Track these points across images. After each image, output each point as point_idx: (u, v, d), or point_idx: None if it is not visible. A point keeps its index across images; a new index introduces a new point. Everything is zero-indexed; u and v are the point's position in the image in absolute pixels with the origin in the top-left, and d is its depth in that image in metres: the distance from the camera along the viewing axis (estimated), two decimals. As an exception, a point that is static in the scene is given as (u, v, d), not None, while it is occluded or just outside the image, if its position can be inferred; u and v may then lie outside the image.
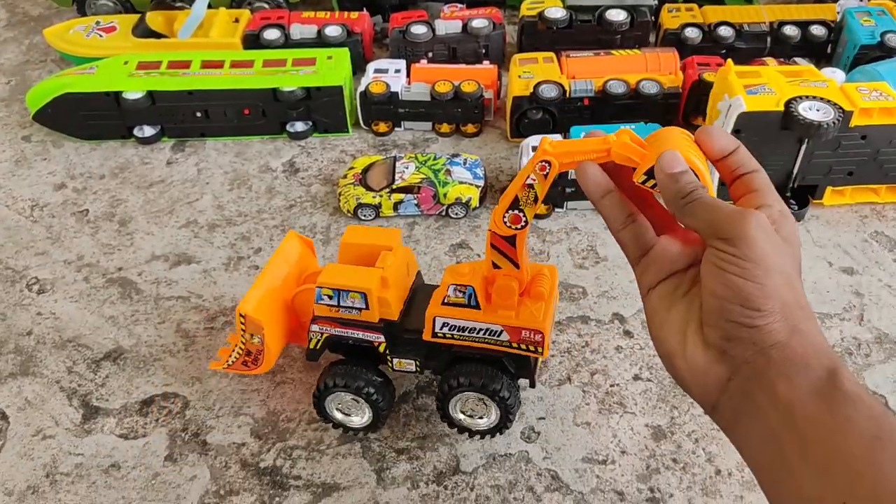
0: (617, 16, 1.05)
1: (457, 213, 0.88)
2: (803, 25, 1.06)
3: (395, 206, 0.87)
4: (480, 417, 0.67)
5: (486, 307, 0.61)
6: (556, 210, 0.89)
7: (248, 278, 0.83)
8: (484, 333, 0.62)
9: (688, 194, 0.44)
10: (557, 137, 0.89)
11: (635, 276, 0.49)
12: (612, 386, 0.73)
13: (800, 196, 0.87)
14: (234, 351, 0.70)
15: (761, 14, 1.08)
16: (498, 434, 0.68)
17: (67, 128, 0.99)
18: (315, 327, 0.65)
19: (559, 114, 0.94)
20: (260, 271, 0.67)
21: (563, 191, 0.85)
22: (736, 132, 0.81)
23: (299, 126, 0.99)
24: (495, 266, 0.59)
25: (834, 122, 0.78)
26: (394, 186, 0.86)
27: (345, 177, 0.90)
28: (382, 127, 1.00)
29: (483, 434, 0.68)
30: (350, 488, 0.66)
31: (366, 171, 0.89)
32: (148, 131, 0.99)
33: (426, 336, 0.64)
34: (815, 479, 0.38)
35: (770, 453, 0.40)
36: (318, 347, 0.67)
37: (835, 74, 0.91)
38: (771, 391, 0.40)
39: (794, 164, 0.84)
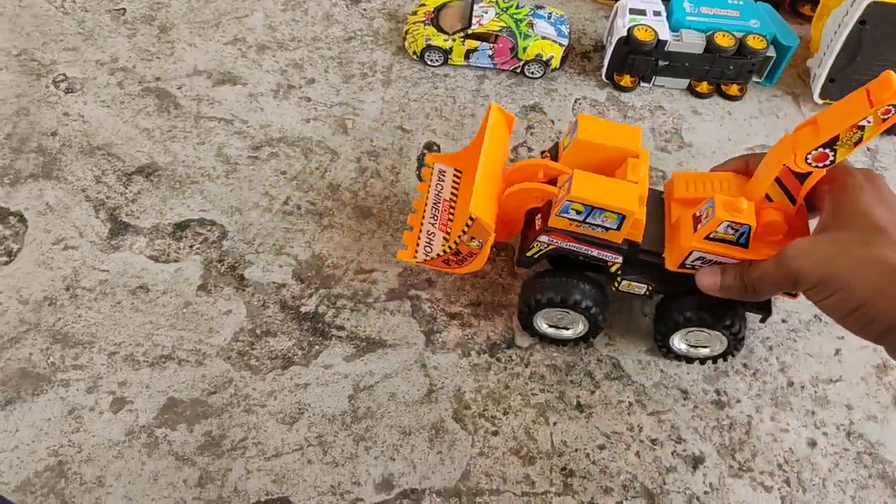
0: None
1: (533, 73, 0.79)
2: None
3: (467, 55, 0.78)
4: (704, 347, 0.60)
5: (752, 244, 0.53)
6: (643, 84, 0.80)
7: (299, 109, 0.75)
8: None
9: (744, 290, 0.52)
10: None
11: None
12: (684, 280, 0.67)
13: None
14: (421, 239, 0.61)
15: None
16: (722, 360, 0.61)
17: (106, -86, 0.88)
18: (545, 238, 0.56)
19: (659, -23, 0.84)
20: (479, 159, 0.56)
21: (655, 63, 0.77)
22: (861, 23, 0.72)
23: (365, -49, 0.88)
24: (768, 198, 0.53)
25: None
26: (469, 31, 0.77)
27: (414, 13, 0.81)
28: (457, -34, 0.89)
29: (703, 360, 0.61)
30: (396, 347, 0.61)
31: (439, 9, 0.80)
32: (196, -68, 0.88)
33: (672, 266, 0.55)
34: None
35: None
36: (536, 256, 0.58)
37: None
38: None
39: (915, 69, 0.76)
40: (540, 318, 0.60)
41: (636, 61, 0.77)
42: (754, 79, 0.81)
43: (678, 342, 0.60)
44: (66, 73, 0.76)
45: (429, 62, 0.79)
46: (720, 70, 0.78)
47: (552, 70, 0.79)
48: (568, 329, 0.61)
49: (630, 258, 0.56)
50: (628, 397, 0.60)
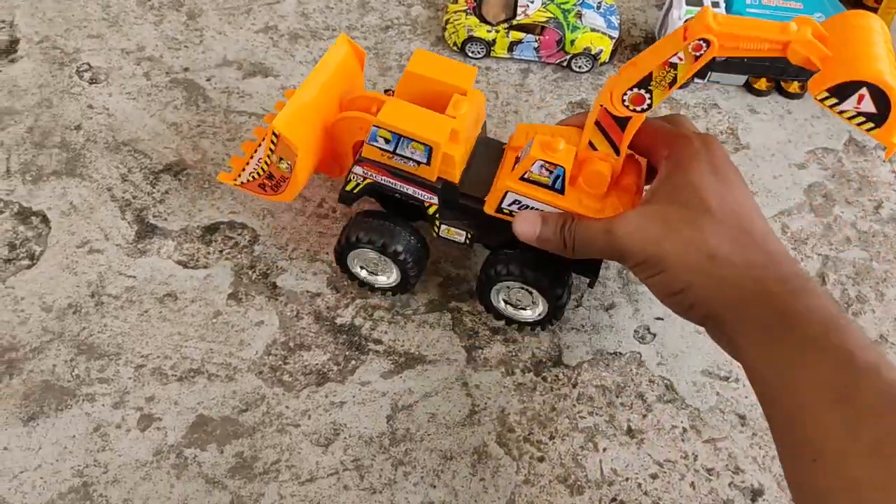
0: None
1: (580, 67, 0.75)
2: None
3: (511, 47, 0.74)
4: (524, 309, 0.58)
5: (570, 192, 0.51)
6: (696, 80, 0.76)
7: (334, 104, 0.71)
8: None
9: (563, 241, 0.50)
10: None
11: None
12: (741, 294, 0.63)
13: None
14: (249, 165, 0.58)
15: None
16: (542, 328, 0.59)
17: None
18: (358, 170, 0.54)
19: (716, -36, 0.79)
20: (303, 79, 0.54)
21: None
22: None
23: (403, -67, 0.83)
24: (591, 146, 0.50)
25: None
26: (514, 22, 0.73)
27: (455, 2, 0.76)
28: (499, -51, 0.84)
29: (533, 325, 0.59)
30: (436, 363, 0.58)
31: (481, -2, 0.75)
32: (226, -89, 0.84)
33: (488, 209, 0.54)
34: None
35: None
36: (355, 191, 0.56)
37: None
38: None
39: None
40: (355, 259, 0.58)
41: (691, 56, 0.72)
42: (816, 75, 0.76)
43: (496, 298, 0.58)
44: (90, 62, 0.72)
45: (470, 54, 0.75)
46: (781, 66, 0.73)
47: (601, 64, 0.75)
48: (381, 275, 0.59)
49: (450, 201, 0.54)
50: (682, 422, 0.56)
